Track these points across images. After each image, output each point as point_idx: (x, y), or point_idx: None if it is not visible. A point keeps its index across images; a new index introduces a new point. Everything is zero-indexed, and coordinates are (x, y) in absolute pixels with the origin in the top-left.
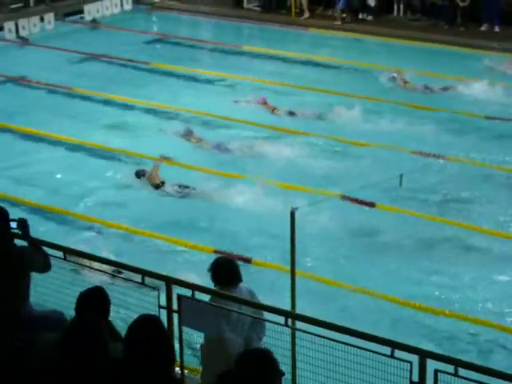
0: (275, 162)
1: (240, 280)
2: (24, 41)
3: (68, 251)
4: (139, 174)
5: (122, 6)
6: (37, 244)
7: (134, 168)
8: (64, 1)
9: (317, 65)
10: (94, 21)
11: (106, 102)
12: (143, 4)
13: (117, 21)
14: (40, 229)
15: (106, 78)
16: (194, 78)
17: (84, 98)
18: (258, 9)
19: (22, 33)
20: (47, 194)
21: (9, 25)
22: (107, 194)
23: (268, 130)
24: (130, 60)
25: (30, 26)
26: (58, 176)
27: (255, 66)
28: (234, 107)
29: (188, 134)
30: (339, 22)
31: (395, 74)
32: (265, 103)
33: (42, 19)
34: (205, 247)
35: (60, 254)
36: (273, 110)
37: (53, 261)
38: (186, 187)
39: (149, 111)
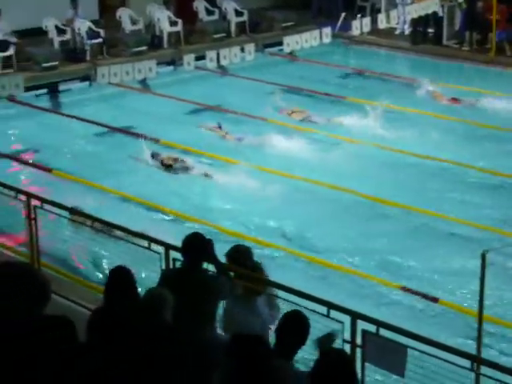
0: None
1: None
2: (224, 70)
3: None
4: (153, 155)
5: (320, 38)
6: (223, 267)
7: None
8: (264, 32)
9: None
10: (291, 53)
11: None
12: (342, 38)
13: (314, 54)
14: None
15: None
16: (388, 113)
17: (276, 128)
18: (456, 46)
19: (223, 62)
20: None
21: (211, 54)
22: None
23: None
24: (325, 94)
25: (230, 55)
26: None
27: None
28: (415, 142)
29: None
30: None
31: None
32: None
33: (242, 50)
34: (392, 283)
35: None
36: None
37: None
38: None
39: (337, 145)
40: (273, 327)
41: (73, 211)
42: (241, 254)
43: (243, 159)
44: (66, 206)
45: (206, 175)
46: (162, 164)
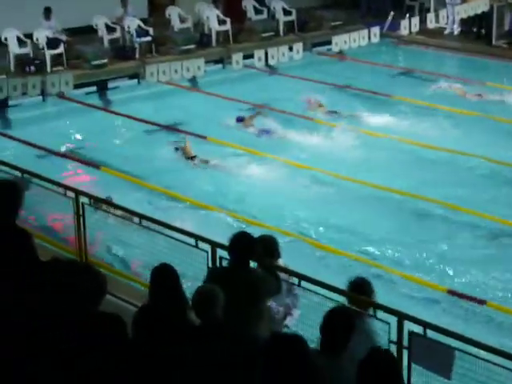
0: None
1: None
2: (272, 69)
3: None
4: (176, 148)
5: (369, 38)
6: (270, 267)
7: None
8: (313, 32)
9: None
10: (340, 52)
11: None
12: (390, 37)
13: (363, 53)
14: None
15: (347, 109)
16: (433, 111)
17: (319, 128)
18: (506, 46)
19: (271, 61)
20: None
21: (259, 53)
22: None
23: None
24: (372, 92)
25: (278, 55)
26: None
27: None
28: (461, 141)
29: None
30: None
31: None
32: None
33: (290, 49)
34: (438, 286)
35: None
36: (319, 106)
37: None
38: None
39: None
40: (294, 313)
41: (118, 207)
42: (266, 244)
43: (285, 156)
44: (113, 203)
45: (246, 171)
46: (186, 158)
